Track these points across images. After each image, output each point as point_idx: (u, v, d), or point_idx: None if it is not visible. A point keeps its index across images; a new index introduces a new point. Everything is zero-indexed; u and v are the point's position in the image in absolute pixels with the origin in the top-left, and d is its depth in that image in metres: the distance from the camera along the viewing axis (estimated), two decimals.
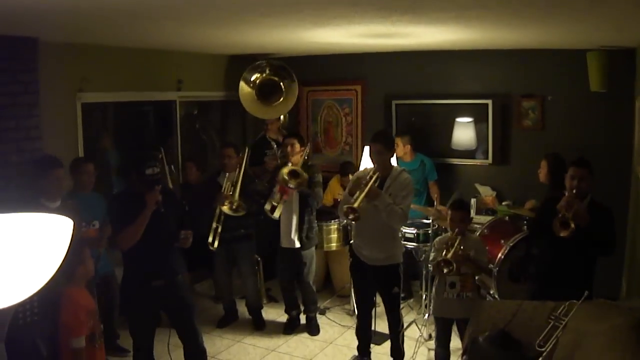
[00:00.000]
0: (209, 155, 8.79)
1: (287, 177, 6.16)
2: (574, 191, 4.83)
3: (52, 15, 4.25)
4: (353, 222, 5.67)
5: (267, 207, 6.44)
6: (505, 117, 7.51)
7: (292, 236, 6.50)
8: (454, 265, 4.88)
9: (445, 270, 4.93)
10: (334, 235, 7.18)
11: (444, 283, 5.21)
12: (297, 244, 6.52)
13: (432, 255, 5.42)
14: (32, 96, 5.56)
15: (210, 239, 6.42)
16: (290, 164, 6.32)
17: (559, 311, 4.27)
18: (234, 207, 6.33)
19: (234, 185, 6.41)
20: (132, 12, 4.23)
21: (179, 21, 4.88)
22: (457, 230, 5.12)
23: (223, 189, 6.43)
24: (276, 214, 6.41)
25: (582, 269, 4.92)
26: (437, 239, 5.50)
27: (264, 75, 7.03)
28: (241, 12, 4.39)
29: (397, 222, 5.29)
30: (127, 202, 4.92)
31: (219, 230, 6.43)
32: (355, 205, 4.94)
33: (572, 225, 4.63)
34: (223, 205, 6.33)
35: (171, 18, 4.68)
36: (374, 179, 5.10)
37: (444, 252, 5.00)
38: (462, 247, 5.01)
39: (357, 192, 5.03)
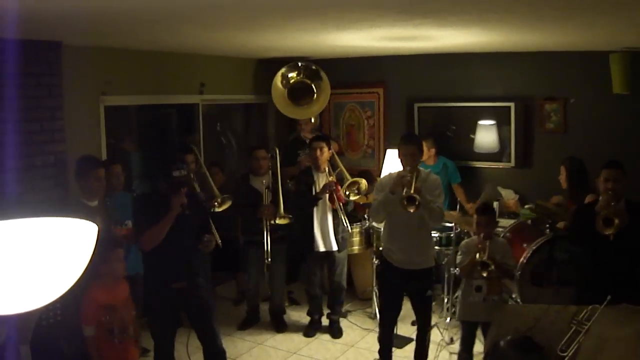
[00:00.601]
0: (231, 158, 8.82)
1: (348, 192, 6.40)
2: (610, 193, 4.81)
3: (75, 20, 4.30)
4: (382, 227, 5.67)
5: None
6: (528, 120, 7.48)
7: (331, 238, 6.53)
8: (492, 266, 4.88)
9: (484, 274, 4.94)
10: (356, 239, 7.16)
11: (471, 287, 5.19)
12: (335, 247, 6.54)
13: (458, 258, 5.40)
14: (55, 99, 5.62)
15: (266, 256, 6.46)
16: (347, 180, 6.45)
17: (581, 316, 4.24)
18: (281, 217, 6.41)
19: (274, 193, 6.48)
20: (155, 16, 4.26)
21: (201, 25, 4.90)
22: (483, 234, 5.12)
23: (264, 199, 6.48)
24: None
25: (626, 273, 4.86)
26: (463, 242, 5.49)
27: (299, 77, 7.05)
28: (263, 16, 4.40)
29: (437, 219, 5.30)
30: (151, 204, 4.95)
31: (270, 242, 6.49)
32: (412, 191, 4.94)
33: (617, 222, 4.60)
34: (273, 220, 6.42)
35: (193, 23, 4.70)
36: (414, 175, 5.10)
37: (477, 255, 4.99)
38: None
39: (404, 188, 5.01)
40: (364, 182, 6.43)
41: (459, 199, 7.40)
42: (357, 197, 6.48)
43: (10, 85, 5.04)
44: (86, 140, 6.18)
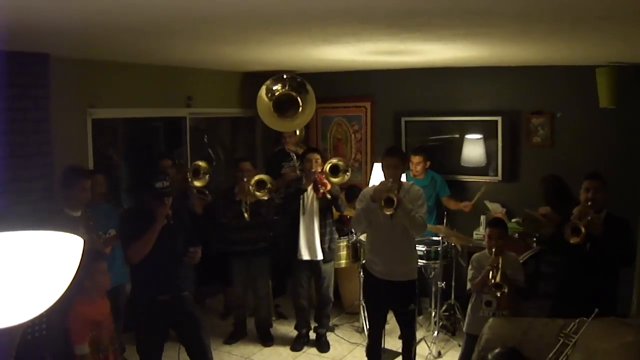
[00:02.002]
0: (218, 171, 8.79)
1: (328, 170, 6.32)
2: (589, 203, 4.83)
3: (63, 32, 4.28)
4: (364, 240, 5.66)
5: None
6: (515, 134, 7.50)
7: (317, 247, 6.48)
8: (506, 288, 4.88)
9: (498, 294, 4.94)
10: (344, 252, 7.15)
11: (480, 301, 5.18)
12: (320, 256, 6.50)
13: (470, 273, 5.37)
14: (42, 112, 5.60)
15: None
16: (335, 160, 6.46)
17: (568, 329, 4.25)
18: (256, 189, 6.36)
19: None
20: (143, 30, 4.25)
21: (189, 39, 4.90)
22: (495, 250, 5.11)
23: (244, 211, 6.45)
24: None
25: (602, 284, 4.88)
26: (475, 256, 5.43)
27: (284, 89, 7.04)
28: (252, 30, 4.40)
29: (419, 229, 5.28)
30: (137, 217, 4.93)
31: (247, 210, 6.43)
32: (393, 195, 4.99)
33: (583, 231, 4.62)
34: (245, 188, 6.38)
35: (181, 36, 4.70)
36: (395, 185, 5.15)
37: (490, 275, 4.98)
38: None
39: (384, 194, 5.06)
40: (343, 178, 6.39)
41: (451, 207, 7.40)
42: (340, 178, 6.41)
43: None
44: (73, 153, 6.14)
